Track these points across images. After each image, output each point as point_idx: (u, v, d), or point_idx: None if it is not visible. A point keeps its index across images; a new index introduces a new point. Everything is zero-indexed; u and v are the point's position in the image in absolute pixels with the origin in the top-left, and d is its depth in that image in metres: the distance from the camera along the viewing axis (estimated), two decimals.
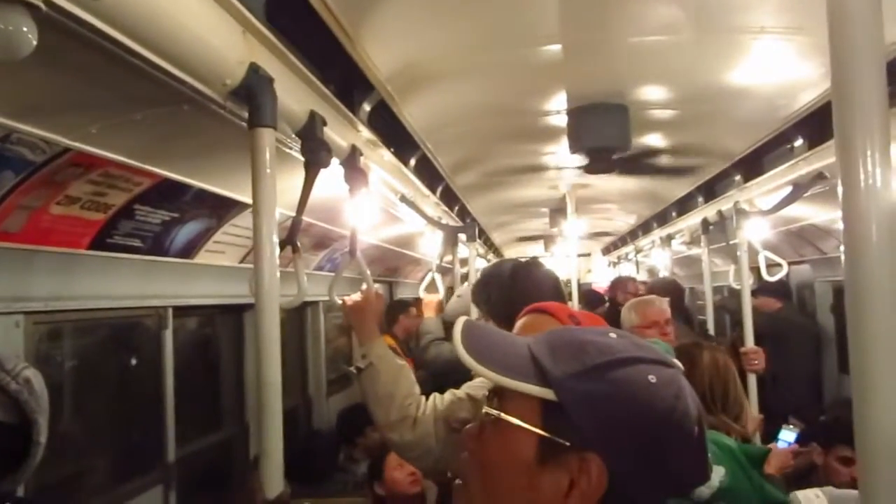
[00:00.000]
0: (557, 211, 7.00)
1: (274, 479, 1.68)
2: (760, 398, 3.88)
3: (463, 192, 5.62)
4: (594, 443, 0.86)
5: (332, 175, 2.38)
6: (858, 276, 0.91)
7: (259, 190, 1.68)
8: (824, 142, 3.36)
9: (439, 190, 4.89)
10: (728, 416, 2.72)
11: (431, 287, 4.68)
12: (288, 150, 2.23)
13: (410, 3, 2.30)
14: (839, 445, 3.19)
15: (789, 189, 3.70)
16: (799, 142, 3.75)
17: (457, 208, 5.71)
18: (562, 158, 4.79)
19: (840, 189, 0.92)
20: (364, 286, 2.57)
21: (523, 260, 2.79)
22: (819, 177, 3.46)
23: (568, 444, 0.86)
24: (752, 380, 3.84)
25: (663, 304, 3.70)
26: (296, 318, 5.33)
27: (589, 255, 12.84)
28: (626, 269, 9.84)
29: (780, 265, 4.58)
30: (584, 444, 0.86)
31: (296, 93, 2.01)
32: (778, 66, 2.89)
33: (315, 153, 2.12)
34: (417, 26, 2.47)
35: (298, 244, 2.24)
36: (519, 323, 2.10)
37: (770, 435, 3.74)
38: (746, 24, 2.53)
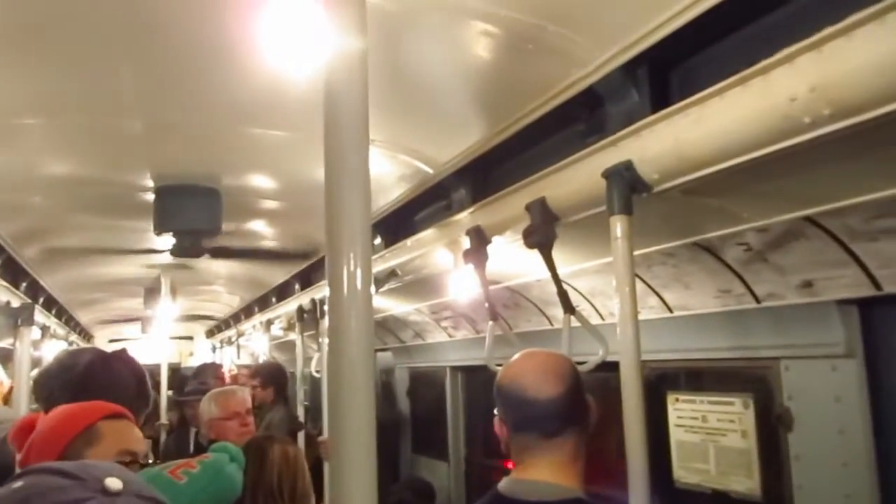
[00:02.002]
0: (152, 291, 6.55)
1: None
2: None
3: (33, 266, 4.91)
4: None
5: None
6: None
7: None
8: (398, 242, 3.71)
9: None
10: None
11: None
12: None
13: None
14: None
15: None
16: (378, 240, 4.09)
17: (24, 284, 4.95)
18: (154, 237, 4.52)
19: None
20: None
21: (109, 351, 2.38)
22: (392, 273, 3.79)
23: None
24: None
25: (245, 394, 3.61)
26: None
27: (191, 338, 12.27)
28: (229, 353, 9.60)
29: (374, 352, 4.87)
30: None
31: None
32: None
33: None
34: None
35: None
36: (98, 429, 1.73)
37: None
38: None
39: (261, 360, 7.94)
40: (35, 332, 5.37)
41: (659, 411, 2.95)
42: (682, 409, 2.91)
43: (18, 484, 0.84)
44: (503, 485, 1.68)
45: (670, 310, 2.73)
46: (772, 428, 2.45)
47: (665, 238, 2.38)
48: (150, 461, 1.80)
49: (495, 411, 1.75)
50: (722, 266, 2.36)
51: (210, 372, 5.50)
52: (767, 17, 1.81)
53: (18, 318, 4.08)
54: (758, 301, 2.37)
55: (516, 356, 1.76)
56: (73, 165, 3.13)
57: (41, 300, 5.84)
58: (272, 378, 5.17)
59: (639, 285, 2.50)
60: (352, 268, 1.01)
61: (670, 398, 2.97)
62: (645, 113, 1.93)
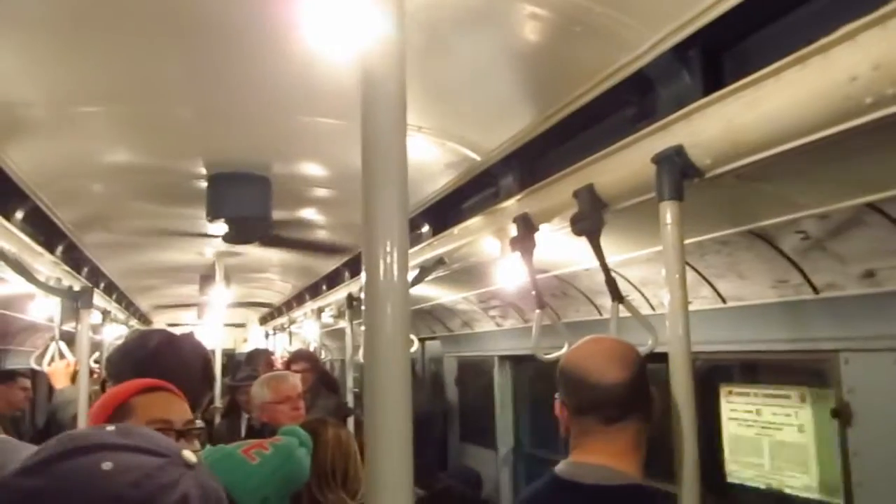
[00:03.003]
0: (207, 278, 6.71)
1: None
2: None
3: (94, 252, 5.07)
4: None
5: None
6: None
7: None
8: (445, 230, 3.70)
9: (60, 248, 4.33)
10: (347, 492, 2.76)
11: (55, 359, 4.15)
12: None
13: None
14: None
15: (416, 271, 3.99)
16: (425, 228, 4.09)
17: (86, 269, 5.12)
18: (208, 224, 4.62)
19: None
20: None
21: (177, 333, 2.45)
22: (440, 261, 3.78)
23: None
24: None
25: (296, 379, 3.67)
26: None
27: (244, 325, 12.54)
28: (281, 340, 9.76)
29: (410, 341, 4.88)
30: None
31: None
32: (415, 158, 3.13)
33: None
34: (8, 68, 2.18)
35: None
36: (130, 404, 1.80)
37: None
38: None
39: (311, 348, 8.08)
40: (96, 316, 5.57)
41: (711, 404, 2.88)
42: (735, 402, 2.84)
43: (108, 465, 0.80)
44: (561, 467, 1.66)
45: (724, 300, 2.66)
46: (830, 422, 2.37)
47: (718, 225, 2.31)
48: (200, 426, 1.85)
49: (556, 394, 1.74)
50: (778, 255, 2.28)
51: (261, 358, 5.61)
52: None
53: (79, 301, 4.22)
54: (816, 291, 2.28)
55: (582, 340, 1.75)
56: (130, 153, 3.21)
57: (102, 285, 6.03)
58: (314, 362, 5.21)
59: (691, 275, 2.43)
60: (388, 255, 1.00)
61: (723, 391, 2.90)
62: (697, 96, 1.87)
